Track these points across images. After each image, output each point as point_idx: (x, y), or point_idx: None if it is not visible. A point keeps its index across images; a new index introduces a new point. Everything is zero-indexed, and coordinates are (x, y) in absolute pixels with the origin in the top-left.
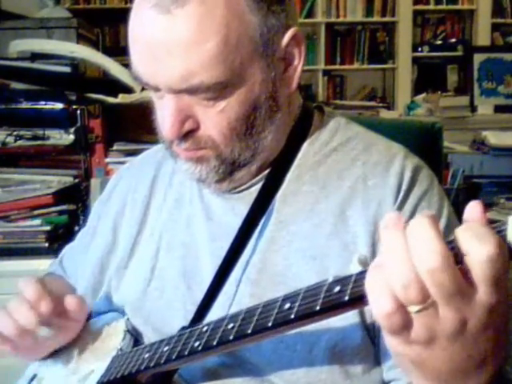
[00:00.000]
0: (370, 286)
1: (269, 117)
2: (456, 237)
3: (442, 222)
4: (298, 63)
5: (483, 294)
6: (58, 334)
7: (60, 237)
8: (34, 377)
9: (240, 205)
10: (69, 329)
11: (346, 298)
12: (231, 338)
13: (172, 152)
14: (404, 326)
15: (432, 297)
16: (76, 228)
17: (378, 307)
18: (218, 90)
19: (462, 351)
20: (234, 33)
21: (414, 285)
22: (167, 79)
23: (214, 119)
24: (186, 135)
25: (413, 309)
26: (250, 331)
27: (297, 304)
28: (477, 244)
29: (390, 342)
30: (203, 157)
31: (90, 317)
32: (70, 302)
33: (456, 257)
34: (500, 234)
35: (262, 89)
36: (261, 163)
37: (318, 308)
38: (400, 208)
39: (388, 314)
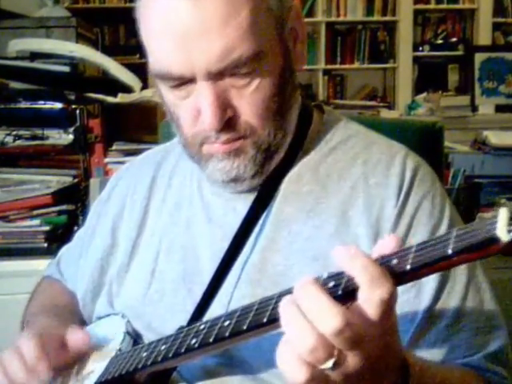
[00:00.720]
0: (281, 360)
1: (291, 94)
2: (349, 272)
3: (445, 223)
4: (304, 37)
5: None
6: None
7: (59, 237)
8: None
9: (240, 205)
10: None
11: (340, 292)
12: (227, 334)
13: (201, 156)
14: None
15: (340, 350)
16: (75, 228)
17: (294, 378)
18: (256, 62)
19: (372, 372)
20: (259, 4)
21: (320, 346)
22: (206, 61)
23: (250, 100)
24: (225, 125)
25: (326, 365)
26: (245, 327)
27: None
28: (371, 287)
29: None
30: (240, 148)
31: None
32: (74, 344)
33: (346, 294)
34: (491, 226)
35: (283, 62)
36: (286, 149)
37: None
38: (402, 209)
39: (303, 382)
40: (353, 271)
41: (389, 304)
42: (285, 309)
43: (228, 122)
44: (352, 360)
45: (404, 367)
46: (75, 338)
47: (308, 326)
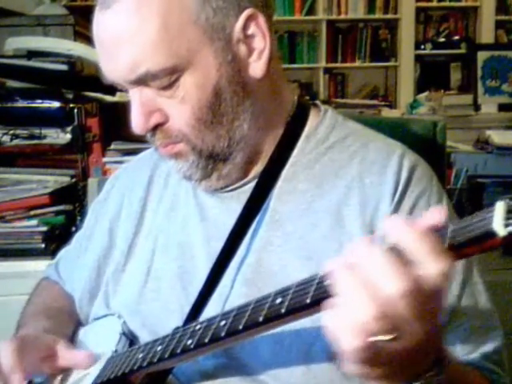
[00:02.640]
0: (333, 327)
1: (237, 103)
2: (405, 243)
3: None
4: (265, 47)
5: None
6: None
7: (57, 237)
8: (29, 383)
9: (234, 204)
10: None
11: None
12: (223, 334)
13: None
14: (375, 356)
15: (403, 320)
16: (73, 228)
17: (347, 345)
18: (168, 77)
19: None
20: (174, 18)
21: (384, 315)
22: (119, 73)
23: (178, 109)
24: (155, 129)
25: (384, 337)
26: (241, 327)
27: (288, 298)
28: (433, 259)
29: (356, 368)
30: (180, 152)
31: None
32: (68, 361)
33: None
34: (488, 220)
35: (220, 74)
36: (246, 156)
37: (308, 301)
38: (397, 207)
39: (359, 350)
40: (408, 241)
41: (447, 279)
42: (342, 276)
43: (159, 128)
44: (411, 331)
45: (439, 352)
46: (74, 356)
47: (370, 293)
